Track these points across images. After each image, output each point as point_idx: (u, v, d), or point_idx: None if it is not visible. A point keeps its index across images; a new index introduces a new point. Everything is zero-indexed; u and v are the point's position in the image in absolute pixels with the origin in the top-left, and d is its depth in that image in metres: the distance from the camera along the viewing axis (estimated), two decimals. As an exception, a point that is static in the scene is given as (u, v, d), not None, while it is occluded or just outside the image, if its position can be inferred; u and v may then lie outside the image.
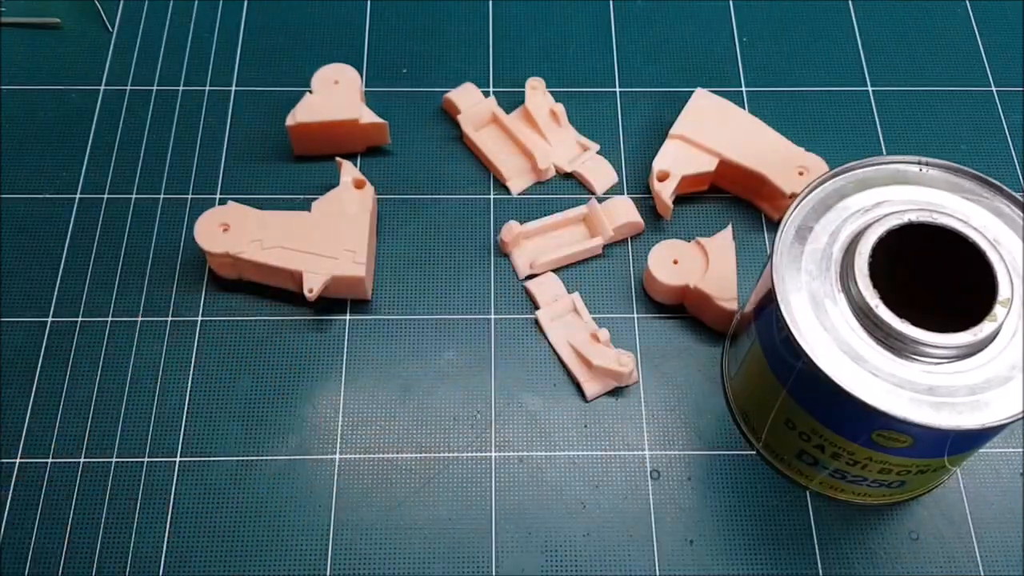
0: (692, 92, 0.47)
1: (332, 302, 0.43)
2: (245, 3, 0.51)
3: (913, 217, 0.33)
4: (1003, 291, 0.32)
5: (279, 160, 0.47)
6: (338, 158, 0.44)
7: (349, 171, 0.44)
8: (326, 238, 0.42)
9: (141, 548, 0.37)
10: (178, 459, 0.39)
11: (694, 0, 0.52)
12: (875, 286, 0.32)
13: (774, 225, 0.45)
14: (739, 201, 0.46)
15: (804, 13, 0.52)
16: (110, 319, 0.42)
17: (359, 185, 0.43)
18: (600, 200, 0.45)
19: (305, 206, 0.44)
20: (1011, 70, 0.50)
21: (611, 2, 0.52)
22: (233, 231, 0.42)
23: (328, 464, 0.39)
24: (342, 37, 0.51)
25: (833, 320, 0.33)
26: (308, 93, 0.46)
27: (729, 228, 0.43)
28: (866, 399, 0.31)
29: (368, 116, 0.45)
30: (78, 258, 0.44)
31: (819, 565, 0.37)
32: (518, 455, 0.39)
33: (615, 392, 0.41)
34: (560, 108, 0.47)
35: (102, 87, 0.48)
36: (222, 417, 0.40)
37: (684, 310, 0.43)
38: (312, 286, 0.40)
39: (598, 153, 0.47)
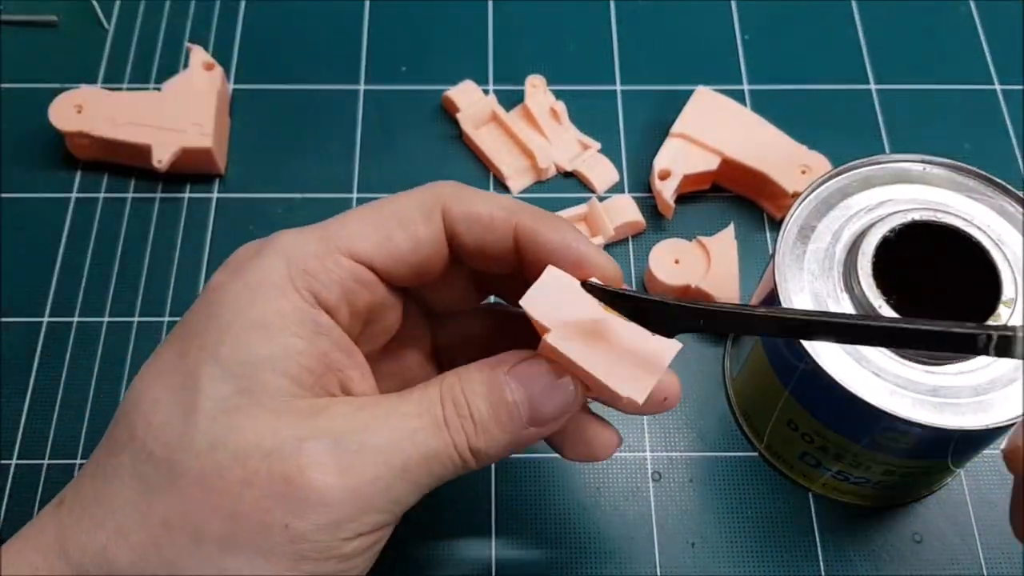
0: (694, 90, 0.46)
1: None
2: (243, 1, 0.51)
3: (916, 216, 0.33)
4: (1007, 291, 0.32)
5: (278, 158, 0.46)
6: (188, 43, 0.48)
7: (199, 54, 0.46)
8: (176, 114, 0.44)
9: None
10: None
11: (695, -3, 0.52)
12: (878, 286, 0.32)
13: (776, 224, 0.45)
14: (741, 200, 0.46)
15: (807, 10, 0.52)
16: (106, 319, 0.42)
17: (208, 67, 0.46)
18: (601, 199, 0.45)
19: (304, 205, 0.44)
20: (1014, 68, 0.50)
21: (611, 0, 0.52)
22: (86, 112, 0.44)
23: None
24: (341, 35, 0.50)
25: (836, 320, 0.33)
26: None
27: (731, 227, 0.43)
28: (869, 400, 0.31)
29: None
30: (74, 257, 0.43)
31: (822, 567, 0.37)
32: (518, 456, 0.39)
33: (616, 393, 0.41)
34: (560, 106, 0.47)
35: (99, 85, 0.48)
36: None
37: (685, 310, 0.43)
38: (160, 157, 0.43)
39: (599, 152, 0.47)
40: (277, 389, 0.25)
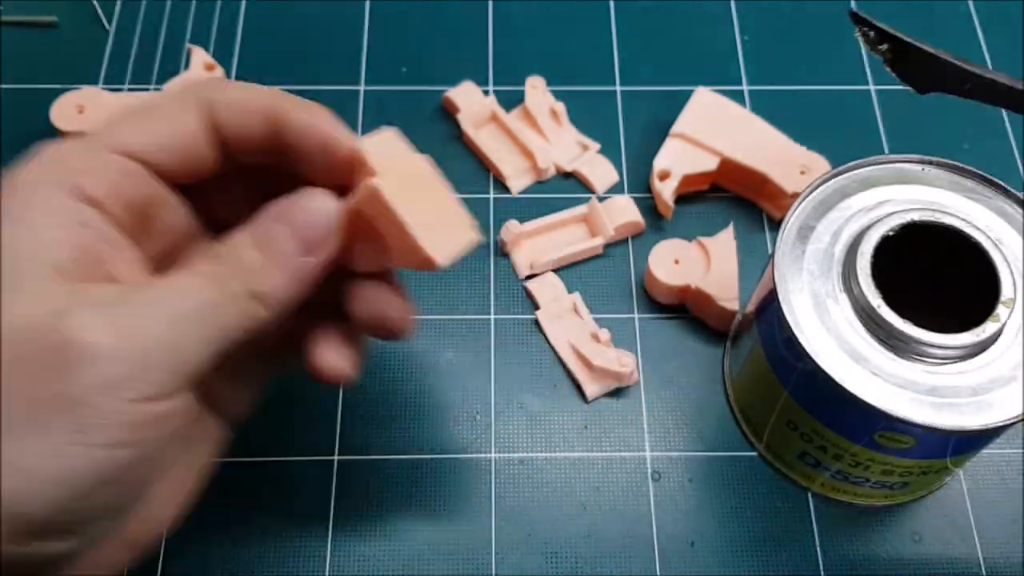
0: (693, 91, 0.46)
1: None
2: (243, 2, 0.51)
3: (916, 217, 0.33)
4: (1006, 291, 0.32)
5: (278, 159, 0.46)
6: (189, 44, 0.48)
7: (200, 55, 0.46)
8: None
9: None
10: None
11: (695, -2, 0.52)
12: (877, 286, 0.32)
13: (776, 225, 0.45)
14: (741, 200, 0.46)
15: (807, 10, 0.52)
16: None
17: (210, 68, 0.46)
18: (601, 199, 0.45)
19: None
20: (1013, 69, 0.50)
21: (611, 0, 0.52)
22: (88, 113, 0.44)
23: (327, 466, 0.39)
24: (341, 35, 0.50)
25: (835, 320, 0.33)
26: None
27: (730, 228, 0.43)
28: (868, 400, 0.31)
29: None
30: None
31: (821, 567, 0.37)
32: (518, 456, 0.39)
33: (616, 393, 0.41)
34: (560, 107, 0.47)
35: (100, 86, 0.48)
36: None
37: (685, 310, 0.43)
38: None
39: (599, 152, 0.47)
40: (39, 276, 0.24)
